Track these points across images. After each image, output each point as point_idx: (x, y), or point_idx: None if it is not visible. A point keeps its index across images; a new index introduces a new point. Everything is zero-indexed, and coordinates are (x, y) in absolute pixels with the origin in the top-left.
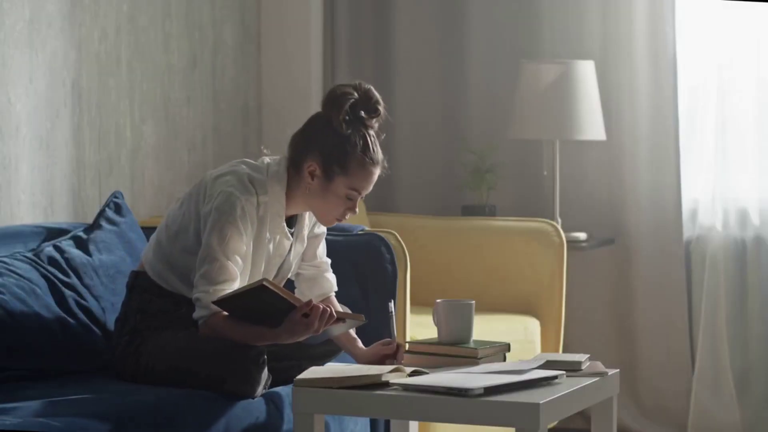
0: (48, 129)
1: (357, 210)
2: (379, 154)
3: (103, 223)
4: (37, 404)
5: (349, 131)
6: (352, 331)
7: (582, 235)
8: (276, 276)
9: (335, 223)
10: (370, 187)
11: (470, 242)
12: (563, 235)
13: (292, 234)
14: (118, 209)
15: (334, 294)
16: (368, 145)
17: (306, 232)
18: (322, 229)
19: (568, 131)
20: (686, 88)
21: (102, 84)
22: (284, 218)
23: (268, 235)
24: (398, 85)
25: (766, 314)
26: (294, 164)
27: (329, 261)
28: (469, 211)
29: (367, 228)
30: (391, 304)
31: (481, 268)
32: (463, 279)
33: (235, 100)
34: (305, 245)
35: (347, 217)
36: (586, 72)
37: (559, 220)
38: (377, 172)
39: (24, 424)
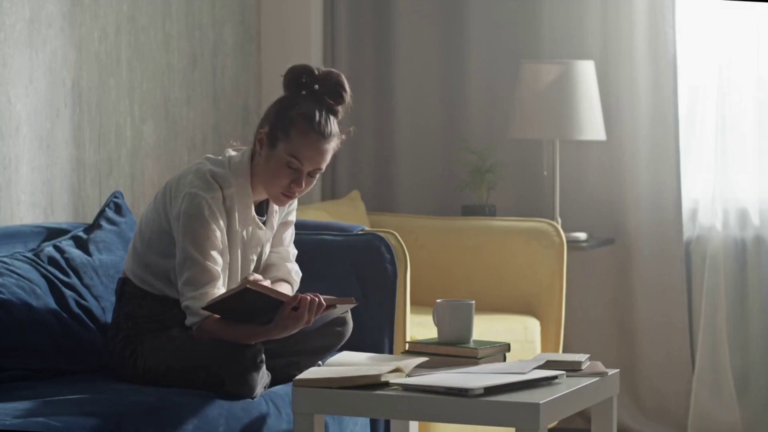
0: (48, 129)
1: (303, 185)
2: (327, 128)
3: (103, 223)
4: (37, 404)
5: (299, 99)
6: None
7: (582, 235)
8: (256, 267)
9: (285, 202)
10: (315, 160)
11: (470, 242)
12: (563, 235)
13: (264, 222)
14: (118, 209)
15: (293, 285)
16: (314, 114)
17: (276, 218)
18: (292, 217)
19: (568, 131)
20: (686, 88)
21: (102, 84)
22: (253, 208)
23: (238, 227)
24: (398, 85)
25: (766, 314)
26: (255, 145)
27: (295, 252)
28: (469, 211)
29: (367, 228)
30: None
31: (481, 268)
32: (463, 279)
33: (235, 100)
34: (275, 230)
35: (295, 194)
36: (586, 72)
37: (559, 220)
38: (323, 145)
39: (24, 424)
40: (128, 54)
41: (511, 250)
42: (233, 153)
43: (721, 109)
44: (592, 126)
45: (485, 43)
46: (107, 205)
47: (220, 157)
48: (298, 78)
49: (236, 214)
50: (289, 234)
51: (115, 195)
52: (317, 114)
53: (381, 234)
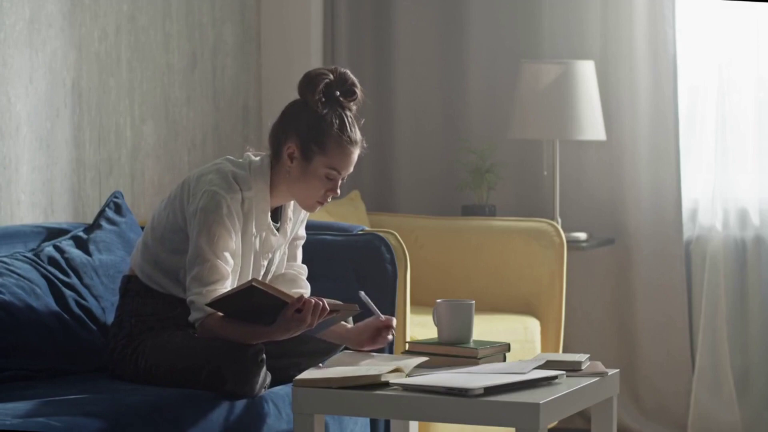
0: (48, 129)
1: (338, 192)
2: (357, 134)
3: (103, 223)
4: (37, 404)
5: (326, 111)
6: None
7: (582, 235)
8: (266, 272)
9: (318, 208)
10: (350, 168)
11: (470, 242)
12: (563, 235)
13: (277, 229)
14: (118, 209)
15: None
16: (345, 124)
17: (289, 225)
18: (302, 233)
19: (568, 131)
20: (686, 88)
21: (102, 84)
22: (269, 214)
23: (254, 230)
24: (398, 85)
25: (766, 314)
26: (275, 153)
27: (306, 268)
28: (469, 211)
29: (367, 228)
30: (362, 294)
31: (481, 268)
32: (463, 279)
33: (235, 100)
34: (288, 239)
35: (329, 200)
36: (586, 72)
37: (559, 220)
38: (356, 151)
39: (24, 424)
40: (128, 54)
41: (511, 250)
42: (254, 158)
43: (721, 109)
44: (592, 126)
45: (485, 43)
46: (107, 205)
47: (240, 160)
48: (317, 85)
49: (253, 218)
50: (300, 251)
51: (115, 195)
52: (348, 124)
53: (381, 234)
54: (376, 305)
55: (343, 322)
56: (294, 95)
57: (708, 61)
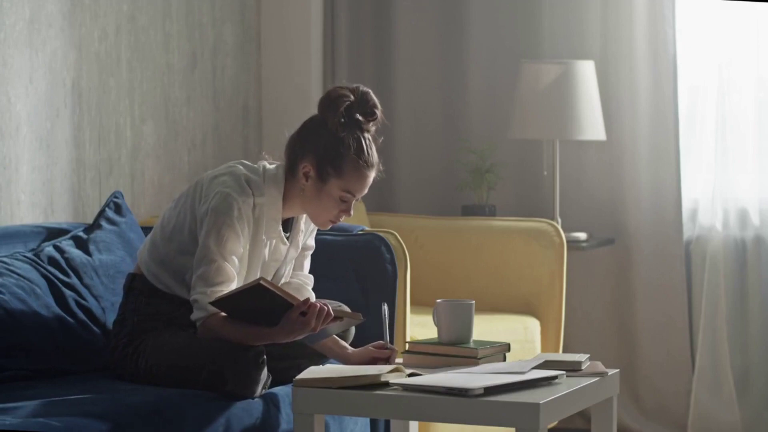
0: (48, 129)
1: (352, 212)
2: (373, 157)
3: (103, 223)
4: (37, 404)
5: (344, 133)
6: (338, 338)
7: (582, 235)
8: (272, 280)
9: (330, 226)
10: (365, 190)
11: (470, 242)
12: (563, 235)
13: (287, 238)
14: (118, 209)
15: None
16: (362, 147)
17: (301, 237)
18: (311, 242)
19: (568, 131)
20: (686, 88)
21: (102, 84)
22: (280, 222)
23: (264, 237)
24: (398, 85)
25: (766, 314)
26: (290, 166)
27: (312, 278)
28: (469, 211)
29: (367, 228)
30: (385, 307)
31: (481, 268)
32: (463, 279)
33: (235, 100)
34: (299, 251)
35: (341, 219)
36: (586, 72)
37: (559, 220)
38: (371, 175)
39: (24, 424)
40: (128, 54)
41: (511, 250)
42: (269, 166)
43: (721, 109)
44: (592, 126)
45: (485, 43)
46: (107, 205)
47: (255, 165)
48: (338, 107)
49: (263, 225)
50: (308, 261)
51: (115, 195)
52: (366, 147)
53: (381, 234)
54: (376, 306)
55: (343, 343)
56: (293, 95)
57: (708, 61)
